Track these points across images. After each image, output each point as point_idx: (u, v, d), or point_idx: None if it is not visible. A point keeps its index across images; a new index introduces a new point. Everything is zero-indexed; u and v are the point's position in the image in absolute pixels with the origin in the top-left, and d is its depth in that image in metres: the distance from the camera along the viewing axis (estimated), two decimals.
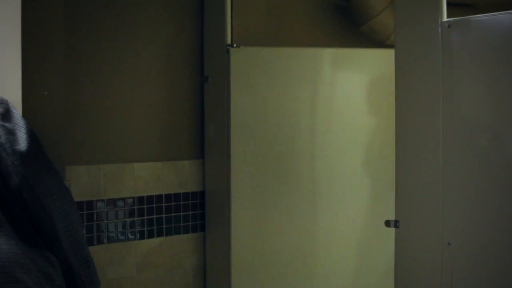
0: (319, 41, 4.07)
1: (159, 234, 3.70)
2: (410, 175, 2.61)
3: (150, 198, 3.66)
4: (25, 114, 2.15)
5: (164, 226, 3.71)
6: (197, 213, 3.82)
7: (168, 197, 3.73)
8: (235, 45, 3.58)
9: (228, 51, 3.56)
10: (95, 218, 3.48)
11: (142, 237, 3.64)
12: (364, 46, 3.95)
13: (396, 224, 2.62)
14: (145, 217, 3.65)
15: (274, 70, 3.70)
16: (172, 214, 3.74)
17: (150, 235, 3.66)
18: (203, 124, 3.80)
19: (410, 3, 2.58)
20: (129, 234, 3.61)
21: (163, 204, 3.71)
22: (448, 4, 2.48)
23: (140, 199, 3.63)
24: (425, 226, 2.55)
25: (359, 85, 3.86)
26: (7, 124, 2.00)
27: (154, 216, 3.68)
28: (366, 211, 3.88)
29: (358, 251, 3.89)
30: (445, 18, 2.46)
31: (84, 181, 3.44)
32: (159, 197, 3.69)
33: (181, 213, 3.77)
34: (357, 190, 3.86)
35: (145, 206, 3.64)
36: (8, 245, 1.87)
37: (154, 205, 3.68)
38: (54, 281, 1.94)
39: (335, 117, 3.79)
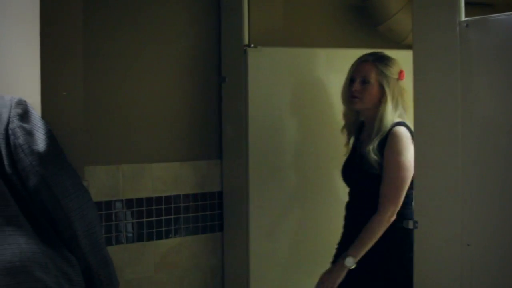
0: (336, 41, 4.07)
1: (177, 234, 3.71)
2: (429, 175, 2.60)
3: (168, 198, 3.67)
4: (43, 115, 2.16)
5: (182, 226, 3.72)
6: (215, 213, 3.83)
7: (186, 197, 3.73)
8: (252, 46, 3.58)
9: (245, 52, 3.56)
10: (113, 218, 3.49)
11: (160, 237, 3.65)
12: (382, 47, 3.93)
13: (414, 224, 2.61)
14: (163, 217, 3.66)
15: (291, 70, 3.70)
16: (190, 214, 3.75)
17: (168, 235, 3.67)
18: (221, 124, 3.81)
19: (428, 2, 2.56)
20: (147, 234, 3.62)
21: (181, 204, 3.71)
22: (466, 3, 2.46)
23: (159, 199, 3.64)
24: (444, 226, 2.54)
25: None
26: (25, 125, 2.01)
27: (172, 216, 3.69)
28: None
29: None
30: (463, 18, 2.45)
31: (103, 182, 3.45)
32: (177, 197, 3.70)
33: (199, 213, 3.77)
34: None
35: (163, 206, 3.65)
36: (28, 244, 1.89)
37: (172, 205, 3.68)
38: (73, 281, 1.96)
39: None
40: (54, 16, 2.27)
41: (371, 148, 3.09)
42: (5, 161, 1.98)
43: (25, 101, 2.09)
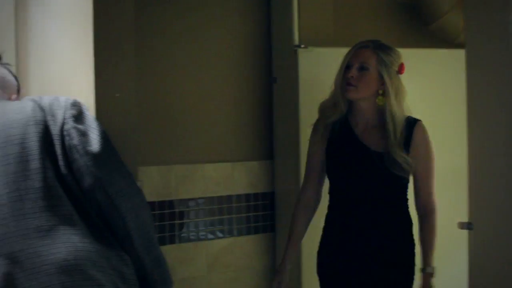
0: (386, 41, 4.01)
1: (230, 235, 3.72)
2: (484, 176, 2.56)
3: (220, 199, 3.69)
4: (97, 116, 2.20)
5: (234, 226, 3.73)
6: (267, 214, 3.83)
7: (238, 197, 3.75)
8: (303, 46, 3.57)
9: (296, 52, 3.56)
10: (166, 218, 3.52)
11: (213, 237, 3.67)
12: (433, 46, 3.89)
13: (469, 226, 2.57)
14: (216, 217, 3.68)
15: None
16: (243, 215, 3.76)
17: (221, 236, 3.69)
18: (272, 125, 3.81)
19: (480, 0, 2.53)
20: (200, 234, 3.64)
21: (233, 205, 3.73)
22: None
23: (211, 200, 3.66)
24: (499, 228, 2.50)
25: (427, 87, 3.79)
26: (80, 126, 2.05)
27: (225, 217, 3.70)
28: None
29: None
30: None
31: (156, 182, 3.49)
32: (229, 198, 3.71)
33: (251, 214, 3.78)
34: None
35: (215, 207, 3.67)
36: (82, 243, 1.92)
37: (225, 206, 3.70)
38: (127, 280, 1.98)
39: None
40: (107, 18, 2.30)
41: (397, 150, 2.88)
42: (60, 162, 2.01)
43: (79, 103, 2.12)
